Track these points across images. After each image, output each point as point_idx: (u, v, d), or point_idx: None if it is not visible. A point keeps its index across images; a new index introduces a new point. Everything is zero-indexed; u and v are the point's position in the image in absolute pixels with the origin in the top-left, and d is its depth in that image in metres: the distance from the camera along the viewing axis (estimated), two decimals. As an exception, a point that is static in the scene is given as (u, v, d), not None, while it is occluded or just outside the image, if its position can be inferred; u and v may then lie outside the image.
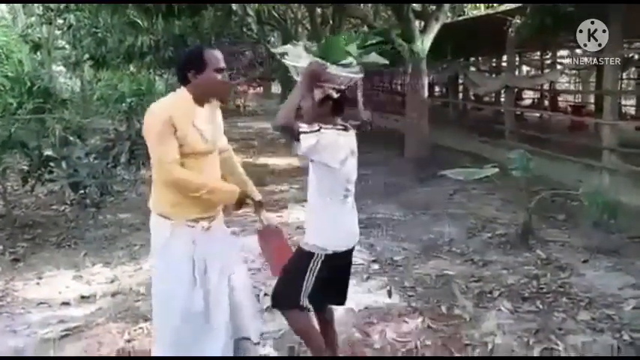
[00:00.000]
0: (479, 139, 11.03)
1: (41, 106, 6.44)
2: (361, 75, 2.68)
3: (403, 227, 6.10)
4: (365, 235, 5.76)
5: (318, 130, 2.55)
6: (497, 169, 5.09)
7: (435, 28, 8.33)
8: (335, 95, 2.63)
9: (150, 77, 10.89)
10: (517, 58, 14.05)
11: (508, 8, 9.17)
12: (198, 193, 2.59)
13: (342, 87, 2.65)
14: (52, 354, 3.44)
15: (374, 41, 2.74)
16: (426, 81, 8.71)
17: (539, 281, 4.43)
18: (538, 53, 16.89)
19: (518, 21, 8.78)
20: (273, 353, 3.33)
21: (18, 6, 14.55)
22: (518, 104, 15.32)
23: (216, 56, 2.67)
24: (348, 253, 2.85)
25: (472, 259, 5.00)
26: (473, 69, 13.58)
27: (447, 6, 8.70)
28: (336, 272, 2.80)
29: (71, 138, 6.15)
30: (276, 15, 14.98)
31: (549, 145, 8.95)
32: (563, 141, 9.65)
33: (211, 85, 2.67)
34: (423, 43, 8.31)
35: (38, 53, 9.85)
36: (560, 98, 17.15)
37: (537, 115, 15.29)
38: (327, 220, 2.73)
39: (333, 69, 2.56)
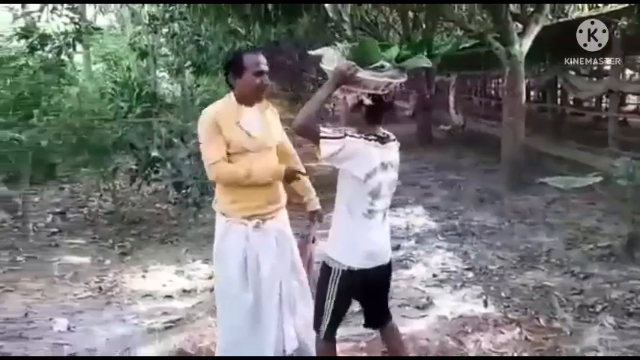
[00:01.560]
0: (577, 146, 10.51)
1: (148, 110, 6.84)
2: (402, 79, 2.44)
3: (498, 235, 5.93)
4: (458, 243, 5.68)
5: (343, 136, 2.36)
6: (600, 178, 4.84)
7: (534, 31, 8.02)
8: (368, 101, 2.41)
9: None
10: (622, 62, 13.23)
11: (613, 9, 8.68)
12: (247, 181, 2.67)
13: (379, 92, 2.41)
14: (157, 344, 3.64)
15: (411, 52, 2.50)
16: (523, 85, 8.40)
17: (647, 297, 4.17)
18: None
19: (625, 22, 8.30)
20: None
21: (126, 15, 15.56)
22: (622, 110, 14.43)
23: (256, 60, 2.71)
24: (379, 272, 2.57)
25: (572, 270, 4.77)
26: (573, 73, 12.91)
27: (547, 8, 8.36)
28: (368, 292, 2.60)
29: (175, 140, 6.49)
30: (368, 20, 15.00)
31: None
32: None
33: (249, 88, 2.73)
34: (522, 46, 8.02)
35: (144, 60, 10.42)
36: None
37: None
38: (344, 234, 2.52)
39: (364, 72, 2.36)
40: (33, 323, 4.00)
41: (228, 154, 2.71)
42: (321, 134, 2.35)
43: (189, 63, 10.19)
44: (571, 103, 15.83)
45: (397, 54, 2.45)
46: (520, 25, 8.62)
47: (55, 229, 6.42)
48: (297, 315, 2.91)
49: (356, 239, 2.49)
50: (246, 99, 2.75)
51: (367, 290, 2.60)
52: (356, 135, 2.40)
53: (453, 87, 18.71)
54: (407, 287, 4.51)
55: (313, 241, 2.99)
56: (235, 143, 2.69)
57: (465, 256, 5.26)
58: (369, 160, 2.41)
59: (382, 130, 2.55)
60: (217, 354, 2.93)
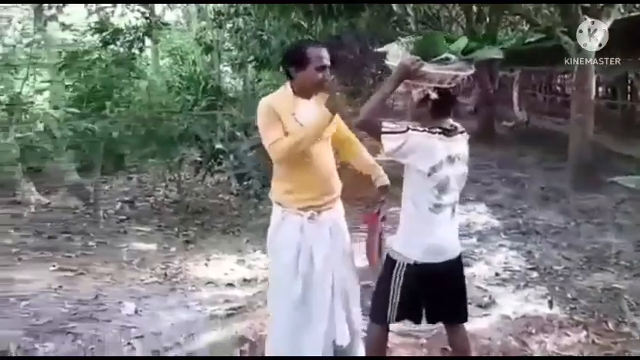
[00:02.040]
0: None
1: (213, 104, 7.00)
2: (470, 72, 2.38)
3: (564, 235, 5.75)
4: (522, 242, 5.55)
5: (406, 130, 2.34)
6: (677, 179, 4.60)
7: (606, 24, 7.70)
8: (434, 95, 2.36)
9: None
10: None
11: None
12: (304, 142, 2.60)
13: (444, 85, 2.36)
14: (219, 330, 3.73)
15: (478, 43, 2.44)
16: (593, 80, 8.08)
17: None
18: None
19: None
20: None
21: (193, 11, 15.93)
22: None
23: (320, 54, 2.64)
24: (447, 267, 2.52)
25: (643, 274, 4.59)
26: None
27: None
28: (435, 286, 2.52)
29: (238, 133, 6.62)
30: (430, 13, 14.79)
31: None
32: None
33: (311, 83, 2.66)
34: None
35: (209, 55, 10.65)
36: None
37: None
38: (409, 228, 2.50)
39: (428, 66, 2.31)
40: (103, 305, 4.18)
41: None
42: (383, 129, 2.33)
43: (252, 57, 10.33)
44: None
45: (465, 46, 2.40)
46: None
47: (124, 217, 6.70)
48: (349, 307, 2.86)
49: (421, 234, 2.46)
50: (306, 92, 2.71)
51: (434, 285, 2.52)
52: (419, 129, 2.36)
53: (516, 82, 18.22)
54: (468, 285, 4.41)
55: (384, 220, 2.89)
56: (290, 133, 2.66)
57: (529, 255, 5.14)
58: (434, 154, 2.37)
59: (450, 122, 2.49)
60: (270, 345, 2.91)
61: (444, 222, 2.48)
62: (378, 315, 2.60)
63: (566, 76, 19.26)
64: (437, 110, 2.42)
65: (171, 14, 19.61)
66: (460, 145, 2.50)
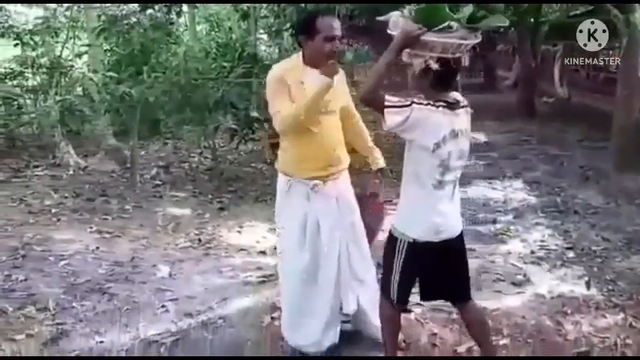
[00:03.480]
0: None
1: (249, 71, 6.96)
2: (475, 40, 2.26)
3: (604, 215, 5.58)
4: (559, 220, 5.43)
5: (410, 104, 2.24)
6: None
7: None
8: (436, 66, 2.24)
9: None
10: None
11: None
12: (312, 108, 2.61)
13: (448, 55, 2.25)
14: (251, 296, 3.77)
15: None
16: (643, 56, 7.72)
17: None
18: None
19: None
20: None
21: (229, -23, 15.78)
22: None
23: (330, 24, 2.64)
24: (448, 245, 2.46)
25: (685, 258, 4.44)
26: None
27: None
28: (438, 264, 2.48)
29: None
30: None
31: None
32: None
33: (319, 53, 2.65)
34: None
35: (245, 22, 10.56)
36: None
37: None
38: (412, 206, 2.44)
39: (430, 34, 2.20)
40: (138, 268, 4.28)
41: None
42: (387, 103, 2.25)
43: (288, 25, 10.21)
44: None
45: (470, 14, 2.24)
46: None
47: (160, 182, 6.79)
48: (358, 278, 2.90)
49: (423, 211, 2.40)
50: (315, 62, 2.68)
51: (434, 263, 2.48)
52: (423, 102, 2.28)
53: (559, 57, 17.64)
54: (503, 263, 4.37)
55: (380, 201, 2.97)
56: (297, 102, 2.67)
57: (566, 234, 5.02)
58: (438, 129, 2.29)
59: (452, 96, 2.41)
60: (283, 315, 2.99)
61: (445, 199, 2.42)
62: (386, 291, 2.59)
63: (611, 52, 18.63)
64: (439, 82, 2.33)
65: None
66: (463, 119, 2.41)
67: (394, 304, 2.58)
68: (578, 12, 12.04)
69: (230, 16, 13.46)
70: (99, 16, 8.13)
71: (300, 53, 2.76)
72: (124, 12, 7.58)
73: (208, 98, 6.60)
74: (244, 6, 10.67)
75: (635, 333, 3.27)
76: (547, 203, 6.02)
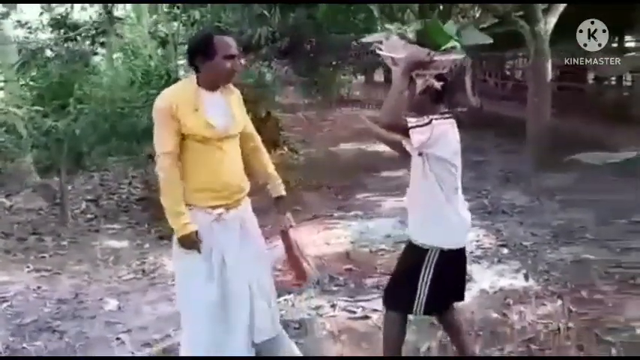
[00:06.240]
0: (603, 124, 10.46)
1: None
2: (463, 56, 2.45)
3: (529, 213, 5.97)
4: (489, 220, 5.72)
5: (430, 122, 2.39)
6: (635, 153, 4.83)
7: (559, 8, 7.95)
8: (437, 83, 2.43)
9: (260, 69, 11.30)
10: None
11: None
12: (162, 199, 2.54)
13: (444, 71, 2.44)
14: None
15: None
16: (549, 64, 8.32)
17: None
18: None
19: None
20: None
21: (143, 5, 15.55)
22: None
23: (227, 42, 2.51)
24: (463, 251, 2.67)
25: (608, 246, 4.80)
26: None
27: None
28: (454, 270, 2.65)
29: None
30: None
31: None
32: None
33: (220, 72, 2.54)
34: (547, 24, 7.97)
35: (165, 48, 10.50)
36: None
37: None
38: (438, 216, 2.54)
39: (439, 56, 2.37)
40: (84, 303, 4.14)
41: (184, 138, 2.52)
42: (410, 124, 2.38)
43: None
44: (590, 81, 15.72)
45: (456, 32, 2.46)
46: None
47: (92, 216, 6.57)
48: (266, 303, 2.72)
49: (451, 218, 2.55)
50: (212, 83, 2.58)
51: (462, 268, 2.70)
52: (439, 118, 2.45)
53: (468, 68, 18.57)
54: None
55: (291, 227, 2.85)
56: (194, 131, 2.50)
57: (498, 233, 5.32)
58: (453, 138, 2.51)
59: (445, 109, 2.60)
60: (181, 353, 2.76)
61: (461, 202, 2.62)
62: (402, 304, 2.64)
63: (515, 61, 19.81)
64: (439, 97, 2.52)
65: (120, 9, 19.08)
66: (455, 126, 2.59)
67: (405, 317, 2.67)
68: (484, 25, 12.74)
69: (147, 43, 13.28)
70: (19, 51, 7.81)
71: (194, 77, 2.59)
72: (39, 45, 7.34)
73: (136, 127, 6.46)
74: (163, 33, 10.61)
75: (574, 317, 3.53)
76: (476, 205, 6.32)
